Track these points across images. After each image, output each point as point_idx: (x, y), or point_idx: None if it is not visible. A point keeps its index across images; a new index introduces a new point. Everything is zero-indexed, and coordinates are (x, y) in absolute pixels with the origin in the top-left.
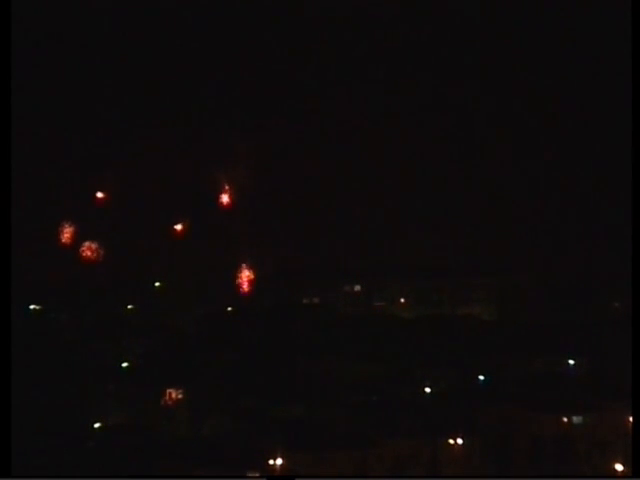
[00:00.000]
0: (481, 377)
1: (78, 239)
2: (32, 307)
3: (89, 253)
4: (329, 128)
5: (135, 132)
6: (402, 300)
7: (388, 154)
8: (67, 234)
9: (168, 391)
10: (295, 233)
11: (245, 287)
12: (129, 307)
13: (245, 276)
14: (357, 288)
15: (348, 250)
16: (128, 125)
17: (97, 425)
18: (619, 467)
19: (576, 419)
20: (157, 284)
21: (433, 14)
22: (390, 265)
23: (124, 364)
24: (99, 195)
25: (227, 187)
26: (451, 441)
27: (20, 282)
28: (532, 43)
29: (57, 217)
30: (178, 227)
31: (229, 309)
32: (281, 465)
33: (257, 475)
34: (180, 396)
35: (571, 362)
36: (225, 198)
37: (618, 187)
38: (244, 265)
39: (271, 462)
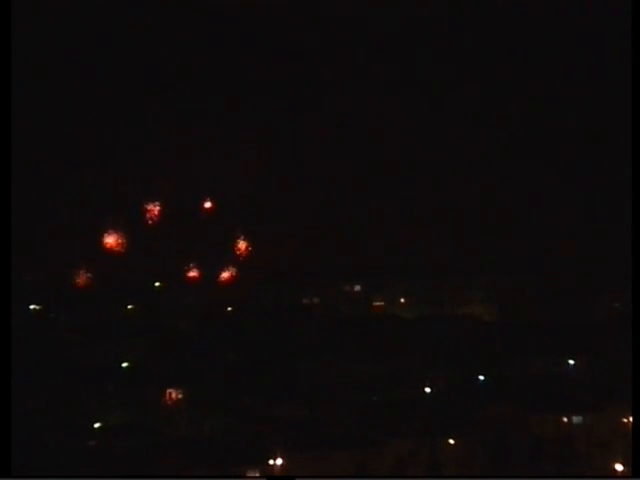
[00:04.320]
0: (481, 377)
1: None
2: (32, 307)
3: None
4: (328, 128)
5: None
6: (402, 300)
7: (388, 154)
8: (82, 278)
9: (168, 391)
10: (295, 233)
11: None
12: (129, 307)
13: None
14: (357, 288)
15: (348, 250)
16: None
17: (97, 425)
18: (619, 467)
19: (576, 419)
20: (157, 284)
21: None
22: (390, 265)
23: (124, 364)
24: (110, 241)
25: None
26: (451, 441)
27: (20, 282)
28: (531, 43)
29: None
30: (193, 274)
31: (229, 309)
32: (281, 465)
33: (257, 475)
34: (180, 396)
35: (571, 362)
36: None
37: (618, 187)
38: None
39: (271, 462)
